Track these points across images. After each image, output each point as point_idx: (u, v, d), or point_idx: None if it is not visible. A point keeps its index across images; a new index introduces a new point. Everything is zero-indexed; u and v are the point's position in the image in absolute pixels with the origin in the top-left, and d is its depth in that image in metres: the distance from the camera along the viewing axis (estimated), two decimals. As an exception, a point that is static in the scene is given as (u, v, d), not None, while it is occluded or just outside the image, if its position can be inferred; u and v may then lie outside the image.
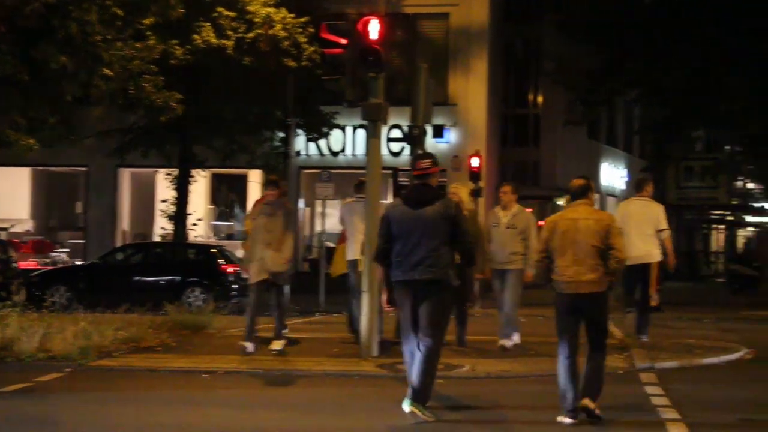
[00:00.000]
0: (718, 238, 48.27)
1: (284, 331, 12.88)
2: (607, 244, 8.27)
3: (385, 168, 20.56)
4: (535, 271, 8.80)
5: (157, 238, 27.04)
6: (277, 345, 12.27)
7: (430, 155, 8.92)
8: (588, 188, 8.59)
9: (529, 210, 13.47)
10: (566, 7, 28.77)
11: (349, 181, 19.56)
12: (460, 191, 12.36)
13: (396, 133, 26.47)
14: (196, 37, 21.00)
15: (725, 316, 20.46)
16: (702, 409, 9.15)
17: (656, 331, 13.97)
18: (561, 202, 17.67)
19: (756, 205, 43.12)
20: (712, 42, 25.76)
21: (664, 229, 13.00)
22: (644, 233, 12.84)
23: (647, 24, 26.47)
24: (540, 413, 8.87)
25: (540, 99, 33.52)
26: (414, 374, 8.33)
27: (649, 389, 10.01)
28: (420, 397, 8.27)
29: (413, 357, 8.45)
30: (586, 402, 8.27)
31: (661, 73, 26.80)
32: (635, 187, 13.94)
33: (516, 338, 12.73)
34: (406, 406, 8.34)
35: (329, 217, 24.27)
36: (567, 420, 8.29)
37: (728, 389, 10.51)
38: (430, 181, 8.61)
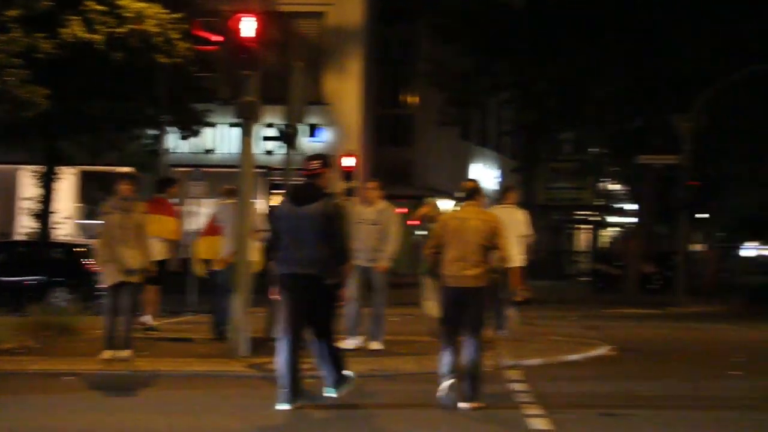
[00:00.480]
0: (583, 238, 49.67)
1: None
2: (492, 244, 8.95)
3: (258, 167, 20.48)
4: (429, 268, 9.39)
5: (21, 237, 26.23)
6: (124, 353, 11.50)
7: (321, 156, 9.19)
8: (476, 191, 9.26)
9: (403, 210, 13.60)
10: (440, 9, 29.17)
11: (221, 179, 19.38)
12: None
13: (270, 132, 26.31)
14: (65, 30, 20.46)
15: (589, 313, 21.13)
16: (566, 404, 9.40)
17: (522, 329, 14.31)
18: (430, 200, 17.91)
19: (618, 206, 44.57)
20: (578, 47, 26.52)
21: (528, 235, 13.50)
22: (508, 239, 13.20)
23: (517, 28, 27.08)
24: (407, 411, 9.00)
25: (414, 99, 33.87)
26: (322, 368, 8.94)
27: (515, 386, 10.25)
28: (337, 383, 8.99)
29: (290, 351, 8.73)
30: (465, 405, 8.81)
31: (531, 76, 27.45)
32: (502, 195, 14.38)
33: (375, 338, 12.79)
34: (282, 406, 8.70)
35: (201, 216, 23.97)
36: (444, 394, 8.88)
37: (591, 385, 10.84)
38: (318, 181, 8.96)
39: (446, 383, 8.90)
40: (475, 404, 8.87)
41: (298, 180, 9.83)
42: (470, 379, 8.89)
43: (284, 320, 8.88)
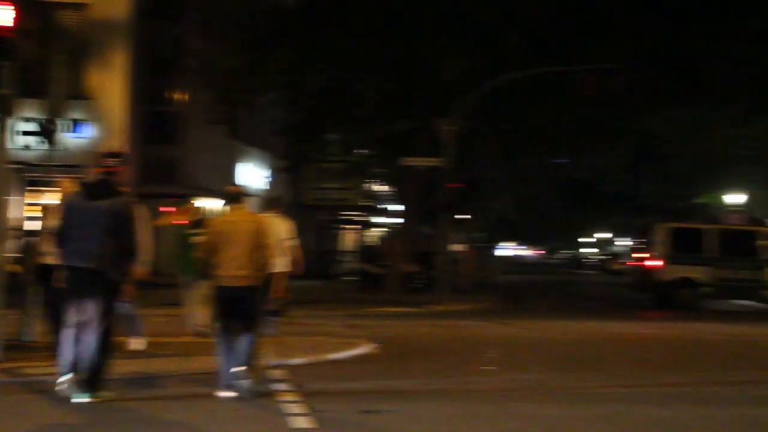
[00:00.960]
0: (350, 238, 50.49)
1: None
2: (260, 244, 9.54)
3: (14, 162, 19.58)
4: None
5: None
6: None
7: (118, 155, 9.45)
8: (240, 194, 9.95)
9: (171, 209, 13.38)
10: (208, 6, 28.83)
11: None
12: (65, 185, 11.98)
13: (28, 126, 25.18)
14: None
15: (354, 312, 21.50)
16: (329, 402, 9.54)
17: (287, 329, 14.40)
18: (199, 203, 17.71)
19: (384, 206, 45.61)
20: (345, 49, 26.94)
21: (288, 239, 13.68)
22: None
23: (286, 28, 27.18)
24: (170, 412, 8.88)
25: (183, 97, 33.31)
26: (80, 365, 8.91)
27: (279, 385, 10.31)
28: (91, 386, 8.91)
29: (77, 343, 8.95)
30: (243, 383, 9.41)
31: (300, 76, 27.64)
32: (267, 205, 14.48)
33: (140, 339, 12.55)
34: (83, 398, 8.85)
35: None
36: (225, 394, 9.40)
37: (354, 382, 11.04)
38: (113, 179, 9.21)
39: (241, 382, 9.39)
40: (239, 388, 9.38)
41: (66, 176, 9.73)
42: (243, 363, 9.40)
43: (68, 313, 9.08)
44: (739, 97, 31.33)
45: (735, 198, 42.25)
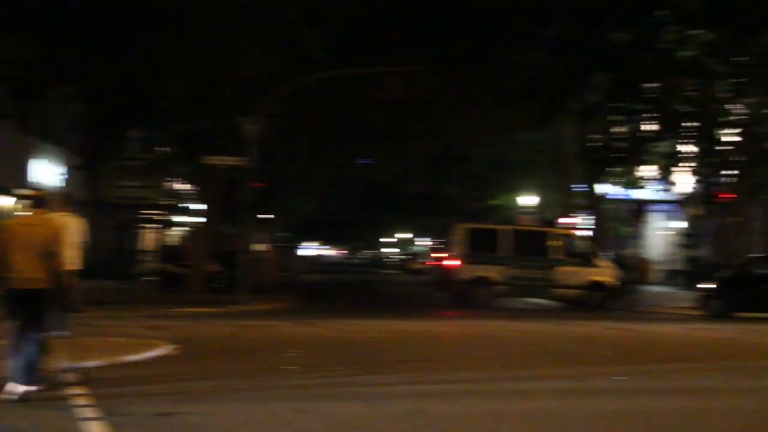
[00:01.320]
0: (150, 237, 49.45)
1: None
2: (53, 249, 9.63)
3: None
4: None
5: None
6: None
7: None
8: (43, 199, 10.09)
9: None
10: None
11: None
12: None
13: None
14: None
15: (154, 313, 21.13)
16: (125, 405, 9.36)
17: (82, 330, 13.97)
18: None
19: (185, 205, 44.97)
20: (145, 43, 26.35)
21: (83, 242, 13.38)
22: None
23: (83, 20, 26.32)
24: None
25: (-31, 88, 31.68)
26: None
27: (72, 389, 10.03)
28: None
29: None
30: (20, 388, 9.32)
31: (98, 71, 26.84)
32: (57, 203, 14.08)
33: None
34: None
35: None
36: (11, 396, 9.26)
37: (151, 384, 10.86)
38: None
39: (17, 388, 9.32)
40: (33, 387, 9.39)
41: None
42: (27, 370, 9.36)
43: None
44: (529, 101, 32.64)
45: (527, 200, 44.12)
